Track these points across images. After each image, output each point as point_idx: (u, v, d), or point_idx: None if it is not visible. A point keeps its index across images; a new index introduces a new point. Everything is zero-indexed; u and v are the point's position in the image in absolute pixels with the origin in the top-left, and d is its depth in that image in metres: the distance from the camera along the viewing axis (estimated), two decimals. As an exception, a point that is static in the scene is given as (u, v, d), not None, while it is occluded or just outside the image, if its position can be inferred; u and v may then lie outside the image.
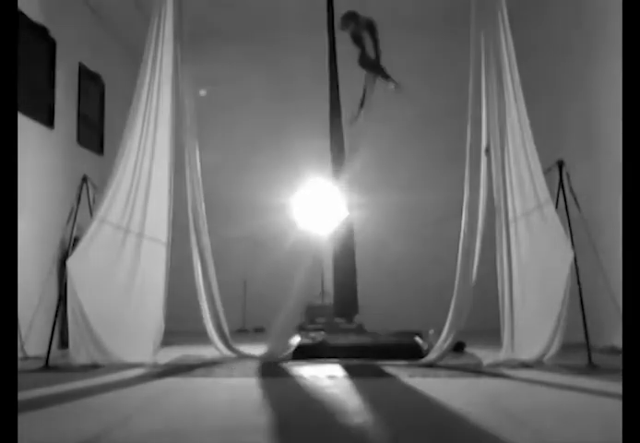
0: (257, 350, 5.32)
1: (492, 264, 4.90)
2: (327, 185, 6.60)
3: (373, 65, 6.19)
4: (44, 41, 6.35)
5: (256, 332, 8.10)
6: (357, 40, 6.26)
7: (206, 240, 5.37)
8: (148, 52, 5.14)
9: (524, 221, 4.81)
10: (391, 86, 6.08)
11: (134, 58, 7.70)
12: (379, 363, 4.76)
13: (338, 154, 6.36)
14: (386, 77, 6.14)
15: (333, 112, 6.50)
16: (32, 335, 5.10)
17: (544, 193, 4.64)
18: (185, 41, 5.38)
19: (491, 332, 5.16)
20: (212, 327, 5.32)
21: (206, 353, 5.34)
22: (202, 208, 5.41)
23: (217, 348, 5.31)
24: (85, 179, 5.16)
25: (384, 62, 6.26)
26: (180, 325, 6.08)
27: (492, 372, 4.30)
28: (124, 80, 7.72)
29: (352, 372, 4.37)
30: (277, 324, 5.16)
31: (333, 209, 6.05)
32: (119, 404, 3.26)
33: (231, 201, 8.26)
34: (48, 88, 6.41)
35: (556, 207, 4.66)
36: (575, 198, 4.69)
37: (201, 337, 5.48)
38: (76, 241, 4.93)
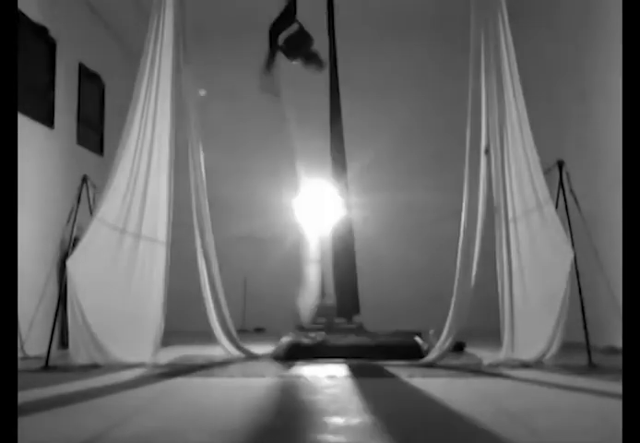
0: (260, 349, 5.32)
1: (492, 264, 4.90)
2: (327, 186, 6.61)
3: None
4: (44, 42, 6.35)
5: (256, 332, 8.10)
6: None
7: (209, 239, 5.35)
8: (146, 52, 5.14)
9: (524, 220, 4.81)
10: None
11: (134, 58, 7.71)
12: (379, 363, 4.77)
13: (338, 154, 6.36)
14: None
15: (333, 112, 6.51)
16: (32, 335, 5.10)
17: (544, 193, 4.65)
18: (186, 41, 5.38)
19: (491, 332, 5.16)
20: (218, 326, 5.29)
21: (206, 352, 5.34)
22: (206, 207, 5.39)
23: (224, 348, 5.28)
24: (85, 179, 5.16)
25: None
26: (180, 325, 6.09)
27: (492, 372, 4.30)
28: (124, 80, 7.72)
29: (352, 372, 4.37)
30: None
31: (333, 209, 6.06)
32: (119, 404, 3.25)
33: (231, 201, 8.26)
34: (48, 88, 6.41)
35: (556, 207, 4.66)
36: (575, 198, 4.69)
37: (201, 337, 5.48)
38: (76, 241, 4.93)
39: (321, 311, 6.71)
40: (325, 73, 6.58)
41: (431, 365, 4.63)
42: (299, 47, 6.23)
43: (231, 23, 8.55)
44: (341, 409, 3.01)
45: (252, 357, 5.17)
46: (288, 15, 6.24)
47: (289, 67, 6.58)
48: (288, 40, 6.21)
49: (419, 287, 7.82)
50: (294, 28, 6.25)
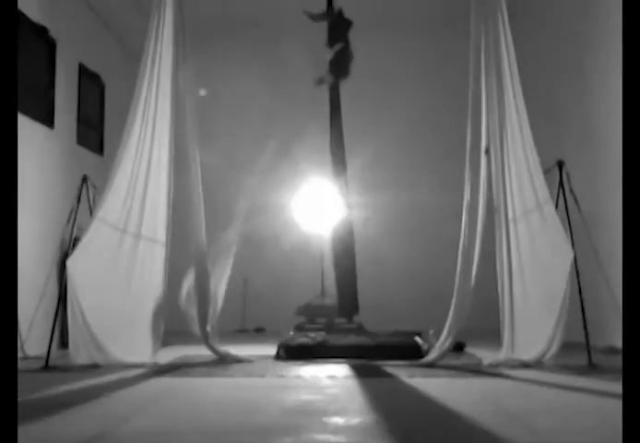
0: (260, 350, 5.31)
1: (492, 264, 4.90)
2: (327, 185, 6.61)
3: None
4: (44, 42, 6.35)
5: (257, 332, 8.10)
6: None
7: (202, 240, 5.29)
8: (147, 52, 5.13)
9: (524, 221, 4.81)
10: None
11: (134, 58, 7.72)
12: (379, 363, 4.77)
13: (338, 154, 6.36)
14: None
15: (333, 111, 6.50)
16: (32, 335, 5.10)
17: (544, 193, 4.65)
18: (186, 40, 5.38)
19: (491, 332, 5.16)
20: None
21: (206, 353, 5.33)
22: (200, 208, 5.34)
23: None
24: (85, 179, 5.16)
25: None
26: (180, 325, 6.08)
27: (492, 372, 4.30)
28: (124, 80, 7.73)
29: (352, 372, 4.37)
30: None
31: (333, 208, 6.05)
32: (119, 404, 3.25)
33: (230, 201, 8.25)
34: (48, 88, 6.41)
35: (556, 207, 4.66)
36: (575, 198, 4.69)
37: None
38: (76, 241, 4.93)
39: (318, 311, 6.72)
40: (326, 68, 6.57)
41: (431, 365, 4.62)
42: (341, 66, 6.24)
43: (231, 22, 8.56)
44: (341, 409, 3.01)
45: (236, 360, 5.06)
46: (337, 31, 6.28)
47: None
48: (333, 59, 6.23)
49: (419, 287, 7.82)
50: (338, 46, 6.26)
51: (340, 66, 6.21)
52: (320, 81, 6.34)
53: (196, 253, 5.23)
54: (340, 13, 6.39)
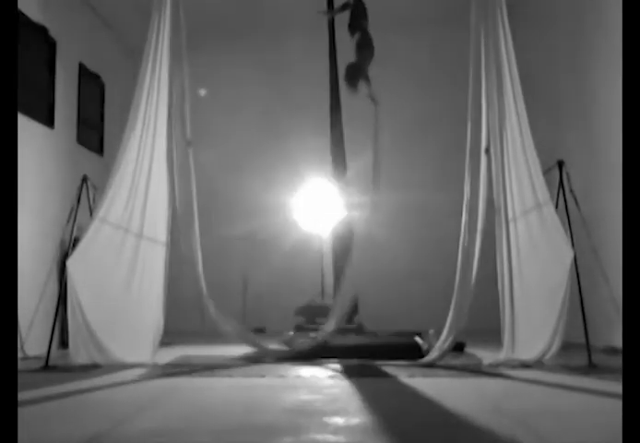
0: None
1: (493, 264, 4.90)
2: (327, 185, 6.61)
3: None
4: (44, 41, 6.35)
5: (256, 332, 8.08)
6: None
7: (196, 241, 5.21)
8: (147, 53, 5.13)
9: (523, 220, 4.81)
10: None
11: (134, 58, 7.74)
12: (379, 363, 4.76)
13: (338, 154, 6.36)
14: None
15: (333, 111, 6.50)
16: (32, 335, 5.10)
17: (543, 193, 4.65)
18: (185, 41, 5.37)
19: (491, 332, 5.16)
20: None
21: (205, 353, 5.33)
22: (193, 209, 5.22)
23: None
24: (85, 179, 5.16)
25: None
26: (180, 325, 6.09)
27: (492, 372, 4.30)
28: (124, 80, 7.74)
29: (352, 372, 4.37)
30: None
31: (333, 209, 6.05)
32: (119, 404, 3.25)
33: (231, 201, 8.26)
34: (48, 88, 6.41)
35: (556, 207, 4.67)
36: (575, 198, 4.69)
37: (201, 337, 5.47)
38: (76, 241, 4.93)
39: (318, 311, 6.71)
40: (325, 72, 6.57)
41: (431, 365, 4.62)
42: (361, 69, 6.06)
43: (231, 23, 8.55)
44: (341, 409, 3.01)
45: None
46: (356, 18, 6.19)
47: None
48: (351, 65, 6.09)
49: (419, 287, 7.81)
50: (357, 36, 6.14)
51: (360, 69, 6.05)
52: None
53: (188, 253, 5.16)
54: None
